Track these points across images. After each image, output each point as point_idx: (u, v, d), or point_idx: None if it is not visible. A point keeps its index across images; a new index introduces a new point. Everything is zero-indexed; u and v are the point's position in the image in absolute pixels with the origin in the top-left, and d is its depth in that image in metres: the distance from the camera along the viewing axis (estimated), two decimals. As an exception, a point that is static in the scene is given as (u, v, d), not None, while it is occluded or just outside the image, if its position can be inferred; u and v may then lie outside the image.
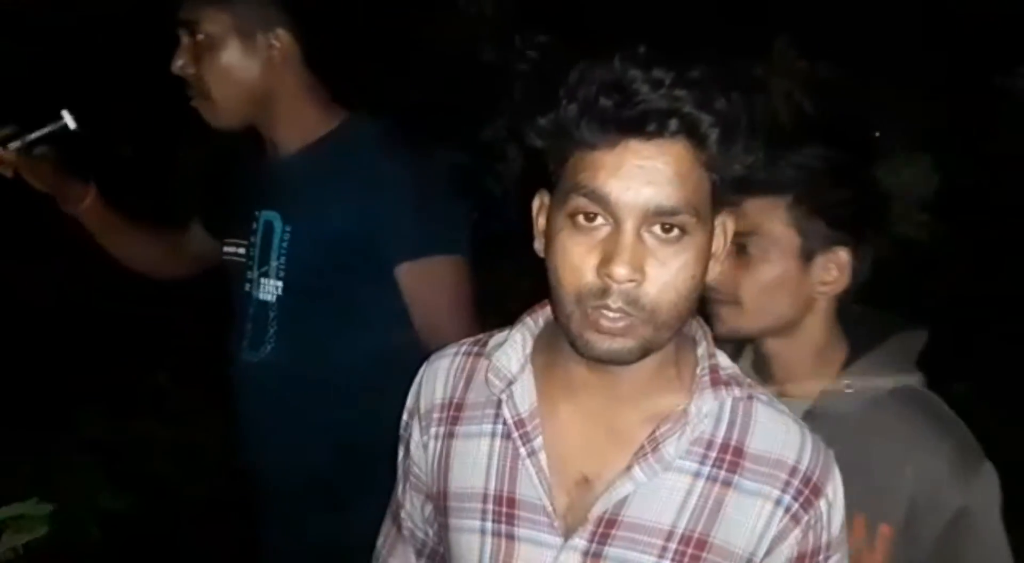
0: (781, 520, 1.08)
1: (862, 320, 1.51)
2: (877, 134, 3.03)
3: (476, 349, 1.22)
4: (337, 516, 1.88)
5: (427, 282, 1.79)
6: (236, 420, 1.99)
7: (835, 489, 1.12)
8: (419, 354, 1.74)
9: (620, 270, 0.99)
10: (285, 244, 1.86)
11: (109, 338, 3.43)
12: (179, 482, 3.19)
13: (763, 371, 1.51)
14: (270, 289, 1.88)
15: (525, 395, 1.14)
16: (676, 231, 1.00)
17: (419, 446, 1.24)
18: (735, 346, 1.55)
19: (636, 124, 0.98)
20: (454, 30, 3.03)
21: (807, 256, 1.43)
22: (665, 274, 1.01)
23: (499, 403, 1.15)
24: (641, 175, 0.99)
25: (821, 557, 1.11)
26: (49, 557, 1.92)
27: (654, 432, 1.09)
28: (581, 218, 1.01)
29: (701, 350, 1.14)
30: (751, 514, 1.08)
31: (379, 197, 1.77)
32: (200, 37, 1.79)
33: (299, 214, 1.84)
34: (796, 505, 1.08)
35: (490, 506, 1.14)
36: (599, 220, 1.01)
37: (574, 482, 1.11)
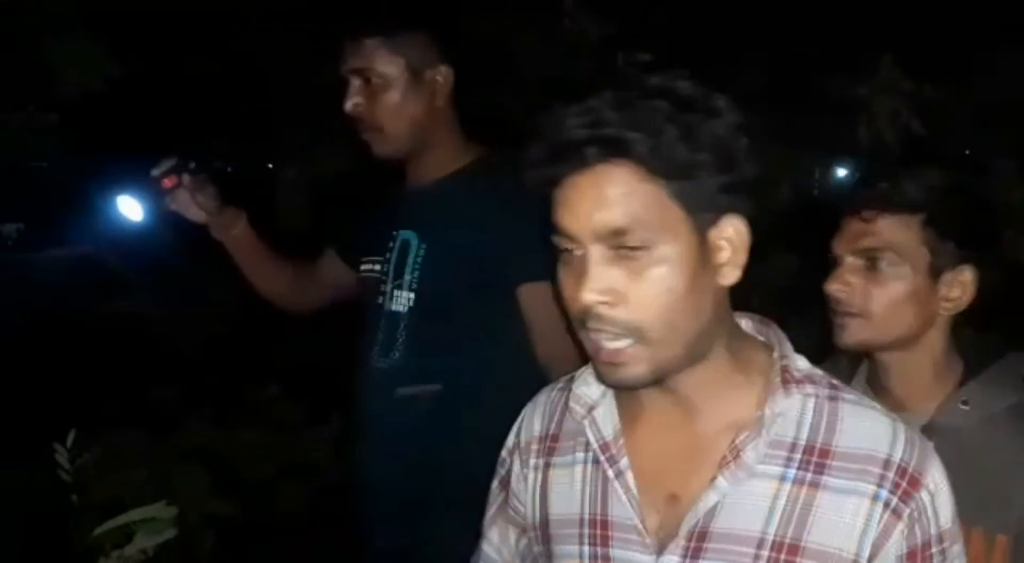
0: (882, 516, 1.06)
1: (973, 341, 1.54)
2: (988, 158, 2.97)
3: (568, 385, 1.26)
4: (447, 525, 1.94)
5: (546, 302, 1.87)
6: (360, 423, 2.11)
7: (936, 480, 1.09)
8: (535, 375, 1.81)
9: (585, 295, 1.04)
10: (420, 259, 2.01)
11: (224, 352, 3.56)
12: (284, 490, 3.28)
13: (878, 384, 1.55)
14: (403, 301, 2.02)
15: (607, 419, 1.18)
16: (641, 249, 1.03)
17: (520, 479, 1.28)
18: (850, 359, 1.59)
19: (568, 158, 1.03)
20: (558, 53, 3.09)
21: (935, 273, 1.47)
22: (638, 291, 1.03)
23: (585, 430, 1.18)
24: (587, 204, 1.03)
25: (934, 550, 1.08)
26: (173, 560, 2.01)
27: (734, 440, 1.09)
28: (565, 253, 1.08)
29: (775, 354, 1.14)
30: (846, 513, 1.06)
31: (508, 223, 1.89)
32: (373, 79, 1.96)
33: (435, 233, 2.00)
34: (895, 499, 1.06)
35: (586, 530, 1.17)
36: (576, 251, 1.06)
37: (663, 500, 1.13)
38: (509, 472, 1.30)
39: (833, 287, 1.49)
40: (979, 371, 1.51)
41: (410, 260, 2.02)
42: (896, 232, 1.46)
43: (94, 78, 2.71)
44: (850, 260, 1.50)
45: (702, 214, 1.04)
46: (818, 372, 1.15)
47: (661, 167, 1.02)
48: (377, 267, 2.10)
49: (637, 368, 1.06)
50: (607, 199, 1.02)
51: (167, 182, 2.14)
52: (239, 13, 3.20)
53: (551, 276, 1.88)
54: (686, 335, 1.06)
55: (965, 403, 1.47)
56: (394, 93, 1.97)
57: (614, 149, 1.02)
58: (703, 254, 1.05)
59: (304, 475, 3.27)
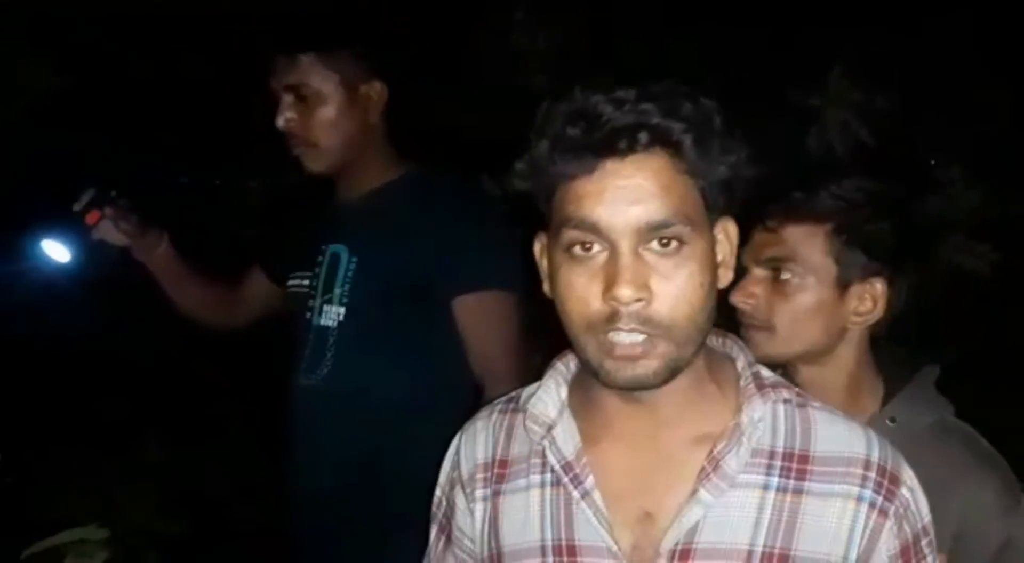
0: (868, 516, 1.05)
1: (889, 354, 1.53)
2: (933, 163, 2.98)
3: (511, 406, 1.21)
4: (376, 547, 1.91)
5: (480, 315, 1.89)
6: (288, 443, 2.07)
7: (911, 475, 1.10)
8: (469, 389, 1.78)
9: (625, 292, 0.99)
10: (350, 273, 2.01)
11: (169, 367, 3.52)
12: (232, 507, 3.23)
13: None
14: (332, 315, 2.01)
15: (568, 438, 1.13)
16: (674, 243, 1.01)
17: (466, 514, 1.21)
18: None
19: (607, 145, 0.99)
20: (505, 64, 3.08)
21: (843, 285, 1.44)
22: (672, 288, 1.01)
23: (543, 451, 1.13)
24: (625, 195, 0.99)
25: (923, 542, 1.08)
26: (107, 583, 1.96)
27: (712, 451, 1.06)
28: (577, 249, 1.02)
29: (741, 363, 1.13)
30: (832, 517, 1.05)
31: (439, 234, 1.91)
32: (307, 95, 1.97)
33: (366, 247, 2.01)
34: (880, 498, 1.06)
35: (550, 558, 1.11)
36: (595, 248, 1.01)
37: (635, 519, 1.08)
38: (452, 509, 1.22)
39: (736, 298, 1.46)
40: (899, 387, 1.48)
41: (340, 274, 2.01)
42: (801, 242, 1.44)
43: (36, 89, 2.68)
44: (756, 271, 1.48)
45: (714, 213, 1.05)
46: (783, 379, 1.14)
47: (700, 164, 1.01)
48: (306, 282, 2.08)
49: (653, 364, 1.02)
50: (648, 191, 1.00)
51: (90, 218, 2.19)
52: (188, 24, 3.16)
53: (494, 284, 1.91)
54: (701, 335, 1.05)
55: (892, 420, 1.45)
56: (329, 109, 1.97)
57: (662, 137, 1.00)
58: (714, 253, 1.06)
59: (257, 492, 3.22)
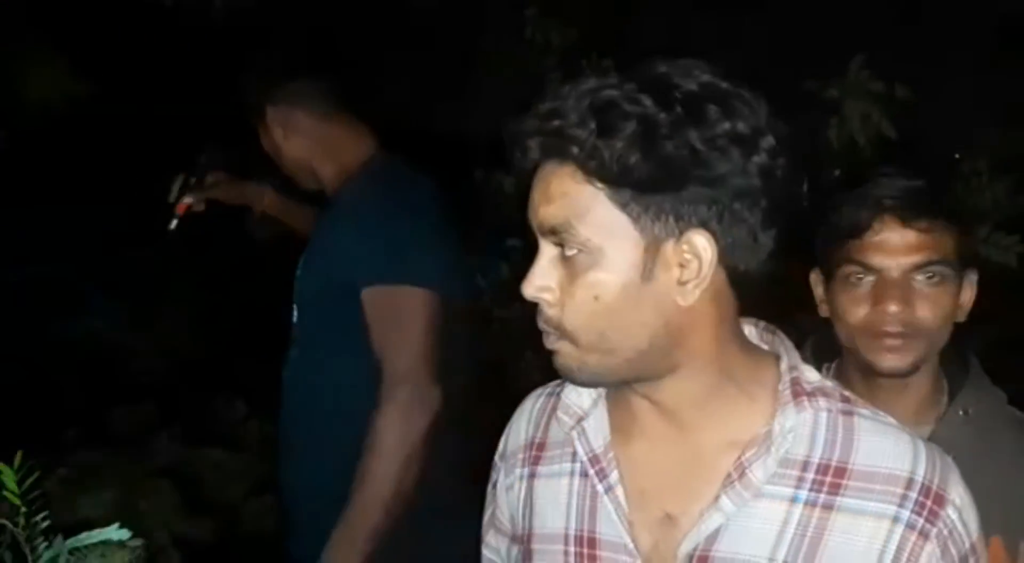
0: (905, 538, 1.00)
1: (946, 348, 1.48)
2: (957, 156, 2.94)
3: (559, 389, 1.19)
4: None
5: (382, 309, 1.93)
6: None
7: (960, 493, 1.03)
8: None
9: (523, 289, 1.02)
10: (299, 273, 2.13)
11: (188, 370, 3.53)
12: (251, 509, 3.24)
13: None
14: (295, 314, 2.14)
15: (598, 430, 1.11)
16: (573, 250, 0.99)
17: (503, 489, 1.22)
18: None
19: (516, 151, 1.01)
20: (521, 59, 3.06)
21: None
22: (567, 293, 1.01)
23: (573, 441, 1.12)
24: (535, 197, 1.02)
25: (971, 561, 1.03)
26: (131, 585, 1.96)
27: (739, 458, 1.03)
28: None
29: (784, 365, 1.07)
30: (862, 536, 1.00)
31: (359, 230, 1.97)
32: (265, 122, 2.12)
33: (310, 247, 2.13)
34: (921, 520, 1.00)
35: (571, 547, 1.10)
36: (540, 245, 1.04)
37: (657, 520, 1.06)
38: (496, 480, 1.24)
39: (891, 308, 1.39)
40: (960, 379, 1.47)
41: (296, 277, 2.13)
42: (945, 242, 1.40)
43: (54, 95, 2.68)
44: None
45: (655, 225, 0.97)
46: (829, 384, 1.08)
47: (599, 171, 0.96)
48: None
49: (569, 366, 1.02)
50: (549, 196, 0.99)
51: (180, 208, 2.33)
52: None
53: (402, 279, 1.94)
54: (623, 346, 1.00)
55: (965, 413, 1.43)
56: (268, 141, 2.13)
57: (552, 146, 0.98)
58: (650, 267, 0.98)
59: (272, 494, 3.22)
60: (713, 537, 1.03)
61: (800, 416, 1.03)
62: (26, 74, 2.69)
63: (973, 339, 1.54)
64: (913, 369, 1.41)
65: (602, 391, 1.13)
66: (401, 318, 1.92)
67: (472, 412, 2.11)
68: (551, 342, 1.03)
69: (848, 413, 1.06)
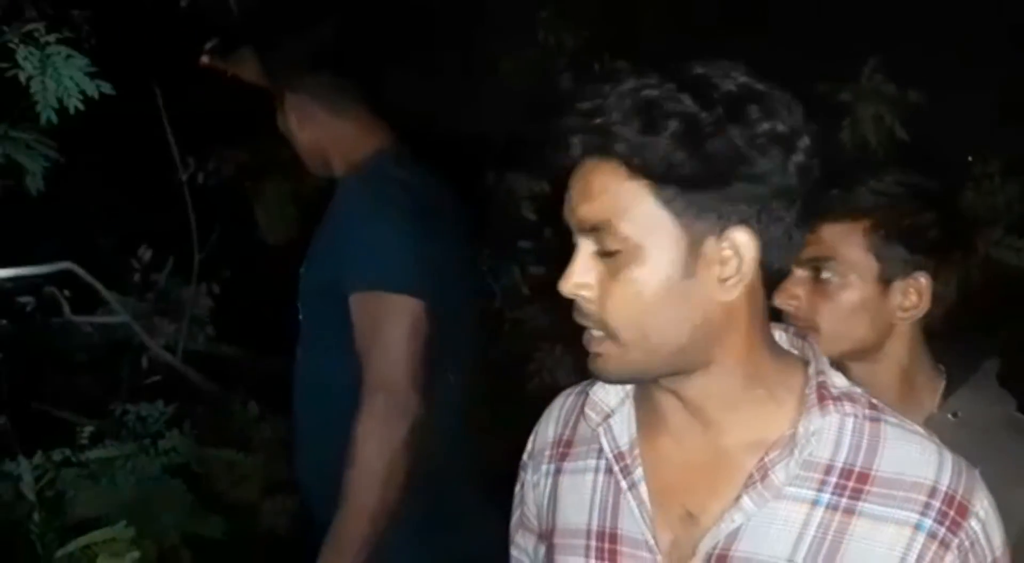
0: (926, 546, 1.00)
1: (950, 349, 1.49)
2: (970, 159, 2.94)
3: (588, 388, 1.21)
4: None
5: (361, 314, 1.94)
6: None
7: (985, 506, 1.04)
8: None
9: (562, 286, 1.02)
10: (303, 272, 2.14)
11: (202, 369, 3.55)
12: (265, 508, 3.25)
13: None
14: (300, 312, 2.15)
15: (624, 428, 1.13)
16: (614, 247, 1.00)
17: (530, 486, 1.24)
18: None
19: (557, 147, 1.02)
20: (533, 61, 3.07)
21: (885, 281, 1.41)
22: (610, 290, 1.01)
23: (599, 438, 1.14)
24: (575, 194, 1.02)
25: None
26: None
27: (763, 459, 1.04)
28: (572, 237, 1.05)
29: (811, 369, 1.08)
30: (882, 542, 1.00)
31: (349, 232, 1.99)
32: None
33: (313, 246, 2.13)
34: (942, 529, 1.00)
35: (593, 542, 1.12)
36: (575, 241, 1.04)
37: (678, 518, 1.07)
38: (524, 478, 1.27)
39: (779, 301, 1.43)
40: (961, 381, 1.45)
41: (300, 275, 2.14)
42: (840, 240, 1.41)
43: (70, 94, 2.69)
44: (797, 272, 1.45)
45: (697, 222, 0.99)
46: (857, 390, 1.09)
47: (644, 168, 0.97)
48: None
49: (608, 363, 1.03)
50: (590, 193, 1.00)
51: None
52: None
53: (388, 287, 1.95)
54: (662, 343, 1.02)
55: (955, 415, 1.42)
56: (285, 121, 2.14)
57: (596, 143, 0.99)
58: (692, 264, 1.00)
59: (286, 493, 3.23)
60: (733, 536, 1.04)
61: (825, 420, 1.04)
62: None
63: (990, 342, 1.54)
64: None
65: (630, 389, 1.15)
66: (381, 325, 1.91)
67: (476, 415, 2.14)
68: (595, 344, 1.04)
69: (875, 420, 1.07)
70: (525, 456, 1.29)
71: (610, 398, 1.15)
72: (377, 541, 1.89)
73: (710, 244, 1.00)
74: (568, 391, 1.27)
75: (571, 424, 1.22)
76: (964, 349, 1.51)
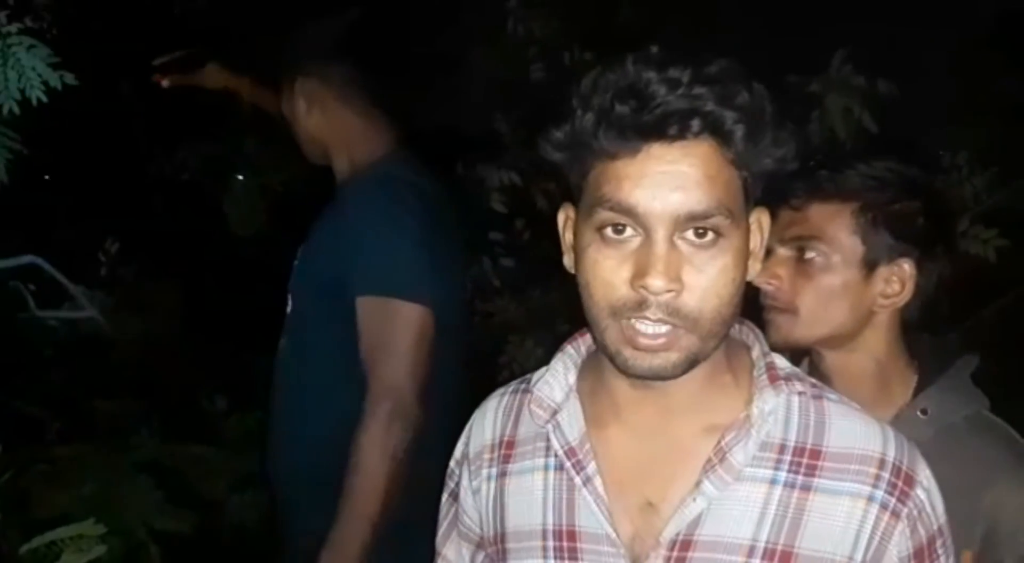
0: (879, 517, 1.02)
1: (925, 343, 1.49)
2: (942, 152, 2.96)
3: (523, 386, 1.20)
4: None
5: (370, 319, 1.94)
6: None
7: (927, 475, 1.06)
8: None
9: (656, 282, 0.96)
10: (297, 266, 2.16)
11: (170, 363, 3.52)
12: (234, 504, 3.23)
13: None
14: (290, 305, 2.16)
15: (573, 422, 1.11)
16: (711, 235, 0.97)
17: (468, 492, 1.21)
18: (792, 361, 1.53)
19: (656, 128, 0.95)
20: (503, 52, 3.06)
21: (870, 266, 1.40)
22: (704, 280, 0.97)
23: (548, 435, 1.12)
24: (667, 181, 0.96)
25: (938, 543, 1.05)
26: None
27: (719, 442, 1.04)
28: (609, 231, 0.98)
29: (755, 352, 1.10)
30: (839, 516, 1.02)
31: (358, 235, 1.98)
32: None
33: (310, 242, 2.14)
34: (892, 500, 1.03)
35: (551, 542, 1.10)
36: (628, 231, 0.98)
37: (637, 508, 1.07)
38: (458, 485, 1.23)
39: (760, 279, 1.40)
40: (934, 377, 1.44)
41: (294, 266, 2.15)
42: (827, 220, 1.40)
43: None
44: (780, 251, 1.44)
45: (751, 203, 1.02)
46: (799, 371, 1.10)
47: (747, 156, 0.97)
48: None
49: (673, 356, 1.00)
50: (692, 179, 0.96)
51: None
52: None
53: (396, 293, 1.96)
54: (725, 328, 1.02)
55: (924, 412, 1.41)
56: (290, 106, 2.14)
57: (716, 127, 0.96)
58: (748, 245, 1.03)
59: (255, 488, 3.21)
60: (696, 522, 1.04)
61: (777, 399, 1.05)
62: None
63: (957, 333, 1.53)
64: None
65: (573, 384, 1.14)
66: (390, 332, 1.92)
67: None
68: (656, 330, 0.99)
69: (818, 397, 1.09)
70: (453, 463, 1.25)
71: (555, 394, 1.13)
72: (375, 546, 1.91)
73: (749, 223, 1.06)
74: (500, 391, 1.24)
75: (511, 424, 1.19)
76: (938, 345, 1.50)
